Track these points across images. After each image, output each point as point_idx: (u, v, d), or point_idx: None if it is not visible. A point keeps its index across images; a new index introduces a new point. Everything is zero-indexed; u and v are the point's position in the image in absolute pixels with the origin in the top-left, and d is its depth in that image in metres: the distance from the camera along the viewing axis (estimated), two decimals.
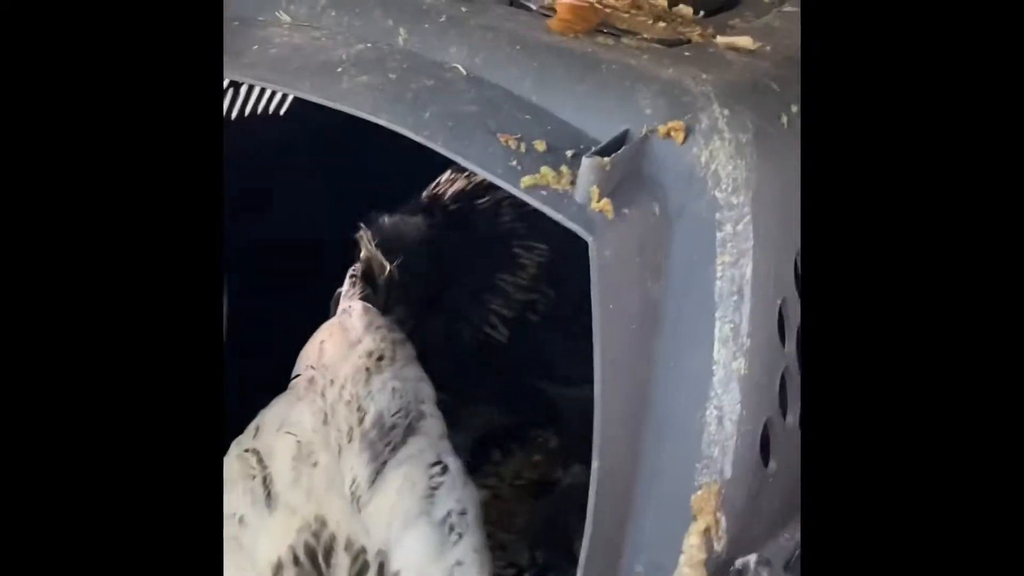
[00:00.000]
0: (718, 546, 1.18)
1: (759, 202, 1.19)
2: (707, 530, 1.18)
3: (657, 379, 1.18)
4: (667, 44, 1.30)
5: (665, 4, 1.43)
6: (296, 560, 1.16)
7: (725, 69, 1.27)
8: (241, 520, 1.21)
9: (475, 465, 1.80)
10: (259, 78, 1.21)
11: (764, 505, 1.24)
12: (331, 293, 1.48)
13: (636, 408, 1.17)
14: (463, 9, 1.31)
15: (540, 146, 1.14)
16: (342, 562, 1.15)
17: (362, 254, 1.46)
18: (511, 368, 1.48)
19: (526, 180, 1.10)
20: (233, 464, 1.27)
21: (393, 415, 1.29)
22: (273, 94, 1.57)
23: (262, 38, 1.27)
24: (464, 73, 1.22)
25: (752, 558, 1.20)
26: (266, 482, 1.23)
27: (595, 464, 1.12)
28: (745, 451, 1.19)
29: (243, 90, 1.51)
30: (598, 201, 1.10)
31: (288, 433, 1.27)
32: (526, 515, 1.67)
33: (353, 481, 1.22)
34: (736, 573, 1.20)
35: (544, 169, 1.12)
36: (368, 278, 1.44)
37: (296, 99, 1.64)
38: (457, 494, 1.25)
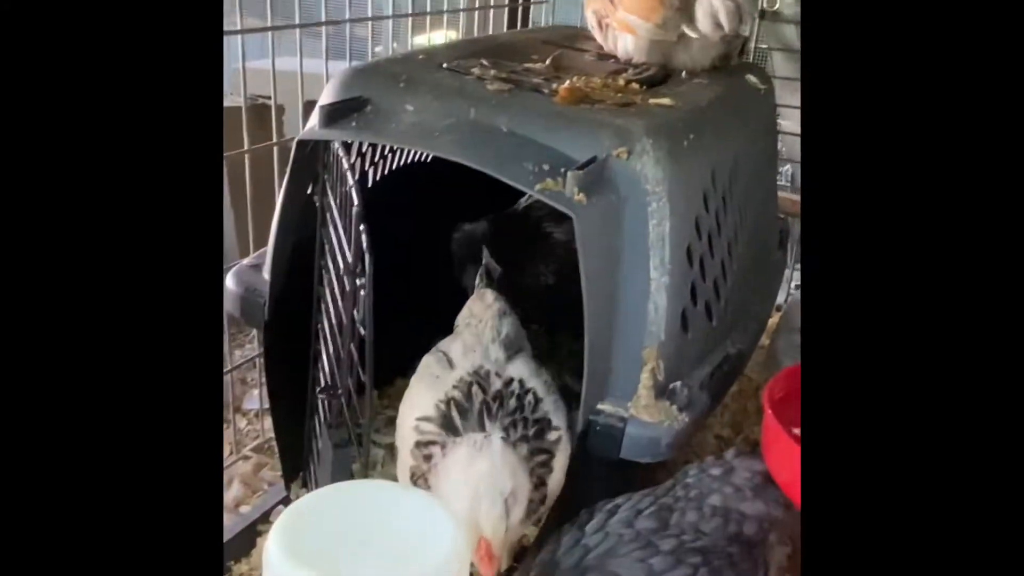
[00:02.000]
0: (660, 378, 1.99)
1: (671, 190, 1.99)
2: (652, 369, 1.99)
3: (620, 290, 1.97)
4: (620, 105, 2.10)
5: (623, 83, 2.14)
6: (465, 375, 1.96)
7: (652, 116, 1.95)
8: (437, 377, 1.99)
9: None
10: (394, 141, 2.18)
11: (686, 354, 2.08)
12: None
13: (608, 305, 1.98)
14: (507, 95, 1.99)
15: (546, 166, 1.98)
16: (495, 380, 1.94)
17: (484, 261, 2.38)
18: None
19: (539, 186, 1.93)
20: (430, 358, 2.07)
21: (515, 336, 2.08)
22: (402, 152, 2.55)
23: (397, 118, 2.14)
24: (505, 131, 1.90)
25: (678, 383, 2.02)
26: (448, 359, 2.02)
27: (587, 339, 1.97)
28: (671, 325, 2.01)
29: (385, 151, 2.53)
30: (578, 195, 1.93)
31: (458, 339, 2.11)
32: None
33: (496, 360, 2.00)
34: (671, 391, 2.00)
35: (548, 179, 1.94)
36: (488, 275, 2.36)
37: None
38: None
